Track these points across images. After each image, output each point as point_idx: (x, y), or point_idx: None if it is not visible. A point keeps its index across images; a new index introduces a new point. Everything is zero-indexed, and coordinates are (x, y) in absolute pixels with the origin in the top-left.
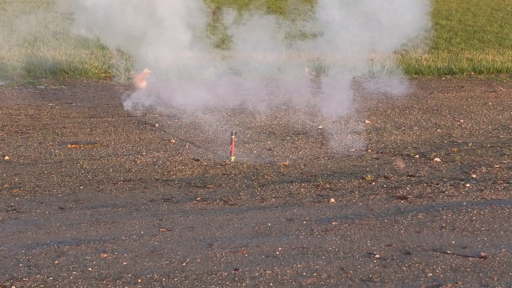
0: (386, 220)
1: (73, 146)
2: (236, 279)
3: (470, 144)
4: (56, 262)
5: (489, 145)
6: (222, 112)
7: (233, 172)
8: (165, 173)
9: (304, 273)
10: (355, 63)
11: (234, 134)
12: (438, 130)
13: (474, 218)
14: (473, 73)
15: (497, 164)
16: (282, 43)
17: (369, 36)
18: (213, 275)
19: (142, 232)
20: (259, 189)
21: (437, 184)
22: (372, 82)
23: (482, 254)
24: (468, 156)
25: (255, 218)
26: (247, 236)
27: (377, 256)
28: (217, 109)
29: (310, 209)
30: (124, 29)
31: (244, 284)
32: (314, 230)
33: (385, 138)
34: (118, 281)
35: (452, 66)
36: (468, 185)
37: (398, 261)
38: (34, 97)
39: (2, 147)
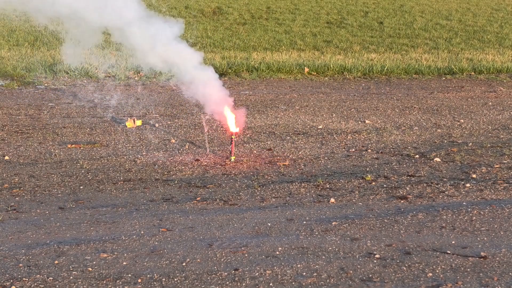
0: (386, 220)
1: (73, 146)
2: (236, 279)
3: (470, 144)
4: (56, 262)
5: (489, 145)
6: None
7: (233, 172)
8: (165, 173)
9: (304, 273)
10: None
11: (234, 134)
12: (438, 130)
13: (474, 218)
14: (473, 73)
15: (497, 164)
16: None
17: None
18: (213, 275)
19: (142, 232)
20: (259, 189)
21: (437, 184)
22: None
23: (482, 254)
24: (468, 156)
25: (255, 218)
26: (247, 236)
27: (377, 256)
28: None
29: (310, 209)
30: None
31: (244, 284)
32: (314, 230)
33: (385, 138)
34: (118, 281)
35: (452, 66)
36: (468, 185)
37: (398, 261)
38: (34, 97)
39: (2, 147)
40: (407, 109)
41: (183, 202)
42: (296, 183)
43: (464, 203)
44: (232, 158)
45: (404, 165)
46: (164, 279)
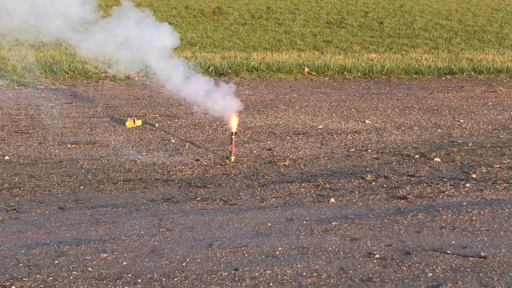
0: (386, 220)
1: (73, 146)
2: (236, 279)
3: (470, 144)
4: (56, 262)
5: (489, 145)
6: None
7: (233, 172)
8: (165, 173)
9: (304, 273)
10: None
11: (234, 134)
12: (438, 130)
13: (474, 218)
14: (473, 73)
15: (497, 164)
16: None
17: None
18: (213, 275)
19: (142, 232)
20: (259, 189)
21: (437, 184)
22: None
23: (482, 254)
24: (468, 156)
25: (255, 218)
26: (247, 236)
27: (377, 256)
28: None
29: (310, 209)
30: None
31: (244, 284)
32: (314, 230)
33: (385, 138)
34: (118, 281)
35: (452, 66)
36: (468, 185)
37: (398, 261)
38: (34, 97)
39: (2, 147)
40: (407, 109)
41: (183, 202)
42: (296, 183)
43: (464, 203)
44: (232, 158)
45: (404, 165)
46: (164, 279)
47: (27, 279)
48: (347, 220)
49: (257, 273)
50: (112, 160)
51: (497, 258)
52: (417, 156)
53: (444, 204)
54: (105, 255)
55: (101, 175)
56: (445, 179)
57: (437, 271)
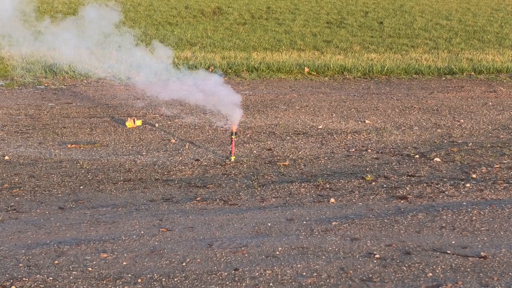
0: (386, 220)
1: (73, 146)
2: (236, 279)
3: (470, 144)
4: (56, 262)
5: (489, 145)
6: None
7: (233, 172)
8: (165, 173)
9: (304, 273)
10: None
11: (234, 134)
12: (438, 130)
13: (474, 218)
14: (473, 73)
15: (497, 164)
16: None
17: None
18: (213, 275)
19: (142, 232)
20: (259, 189)
21: (437, 184)
22: None
23: (482, 254)
24: (468, 156)
25: (255, 218)
26: (247, 236)
27: (377, 256)
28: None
29: (310, 209)
30: None
31: (244, 284)
32: (314, 230)
33: (385, 138)
34: (118, 281)
35: (452, 66)
36: (468, 185)
37: (398, 261)
38: (34, 97)
39: (2, 147)
40: (407, 109)
41: (183, 202)
42: (296, 183)
43: (464, 203)
44: (232, 158)
45: (404, 165)
46: (164, 279)
47: (27, 279)
48: (347, 220)
49: (257, 273)
50: (112, 160)
51: (497, 258)
52: (417, 156)
53: (444, 204)
54: (105, 255)
55: (101, 175)
56: (445, 179)
57: (437, 271)
